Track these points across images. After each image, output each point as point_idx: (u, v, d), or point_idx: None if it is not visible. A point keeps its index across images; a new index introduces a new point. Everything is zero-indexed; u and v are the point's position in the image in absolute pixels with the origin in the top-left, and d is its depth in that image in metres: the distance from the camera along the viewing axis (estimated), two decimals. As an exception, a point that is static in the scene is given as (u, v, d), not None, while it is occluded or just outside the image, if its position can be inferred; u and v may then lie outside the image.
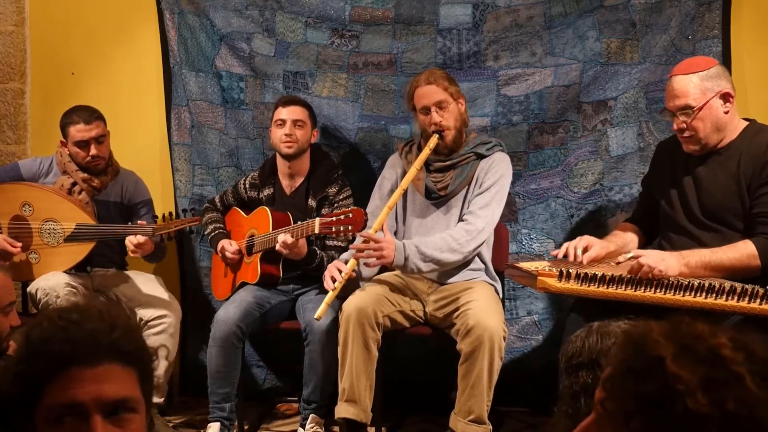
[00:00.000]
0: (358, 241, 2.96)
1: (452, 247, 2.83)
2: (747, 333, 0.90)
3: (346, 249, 3.10)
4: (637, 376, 0.88)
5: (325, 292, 2.98)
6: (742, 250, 2.39)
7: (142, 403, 1.15)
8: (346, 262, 2.87)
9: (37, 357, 1.10)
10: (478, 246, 2.89)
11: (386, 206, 2.84)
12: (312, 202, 3.19)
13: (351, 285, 2.90)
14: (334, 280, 2.80)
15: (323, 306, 2.76)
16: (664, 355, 0.87)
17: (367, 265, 2.87)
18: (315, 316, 2.78)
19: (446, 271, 2.96)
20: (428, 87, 2.92)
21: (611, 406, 0.90)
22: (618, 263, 2.48)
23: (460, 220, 2.94)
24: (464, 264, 2.95)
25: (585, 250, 2.54)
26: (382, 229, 2.80)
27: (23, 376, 1.11)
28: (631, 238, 2.76)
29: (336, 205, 3.17)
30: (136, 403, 1.13)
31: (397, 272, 3.01)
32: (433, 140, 2.90)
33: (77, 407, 1.08)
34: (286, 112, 3.18)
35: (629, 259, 2.44)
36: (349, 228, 2.76)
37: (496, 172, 2.92)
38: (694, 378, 0.85)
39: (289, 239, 2.92)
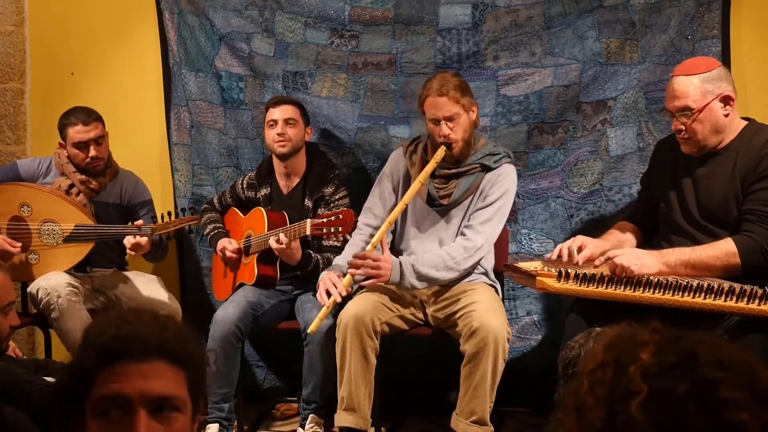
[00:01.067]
0: (354, 243, 2.95)
1: (449, 266, 2.81)
2: (718, 344, 0.90)
3: (341, 249, 3.10)
4: (575, 381, 0.95)
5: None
6: (722, 248, 2.39)
7: (189, 405, 1.17)
8: (341, 275, 2.82)
9: (89, 350, 1.15)
10: (476, 263, 2.87)
11: (386, 221, 2.80)
12: (308, 203, 3.18)
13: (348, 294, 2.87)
14: (328, 294, 2.76)
15: (316, 321, 2.74)
16: (583, 369, 0.93)
17: (359, 283, 2.82)
18: (308, 331, 2.77)
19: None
20: (440, 99, 2.82)
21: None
22: (595, 267, 2.47)
23: (460, 231, 2.91)
24: None
25: (579, 250, 2.54)
26: (381, 245, 2.79)
27: (75, 368, 1.17)
28: (627, 237, 2.75)
29: (332, 205, 3.16)
30: (182, 404, 1.15)
31: None
32: (440, 153, 2.84)
33: (122, 400, 1.11)
34: (276, 112, 3.17)
35: (605, 261, 2.43)
36: (339, 229, 2.76)
37: (501, 187, 2.87)
38: (599, 392, 0.89)
39: (283, 239, 2.91)
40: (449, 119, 2.83)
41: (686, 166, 2.59)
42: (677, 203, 2.61)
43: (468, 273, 2.92)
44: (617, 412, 0.86)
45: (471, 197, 2.91)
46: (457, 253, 2.81)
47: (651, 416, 0.84)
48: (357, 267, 2.74)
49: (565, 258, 2.52)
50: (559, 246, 2.59)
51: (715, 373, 0.85)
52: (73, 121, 3.18)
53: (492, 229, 2.86)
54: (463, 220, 2.92)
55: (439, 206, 2.94)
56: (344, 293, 2.75)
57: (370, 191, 3.11)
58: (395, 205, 2.92)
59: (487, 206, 2.86)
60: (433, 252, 2.85)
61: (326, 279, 2.81)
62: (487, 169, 2.90)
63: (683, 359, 0.87)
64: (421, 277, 2.78)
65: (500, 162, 2.91)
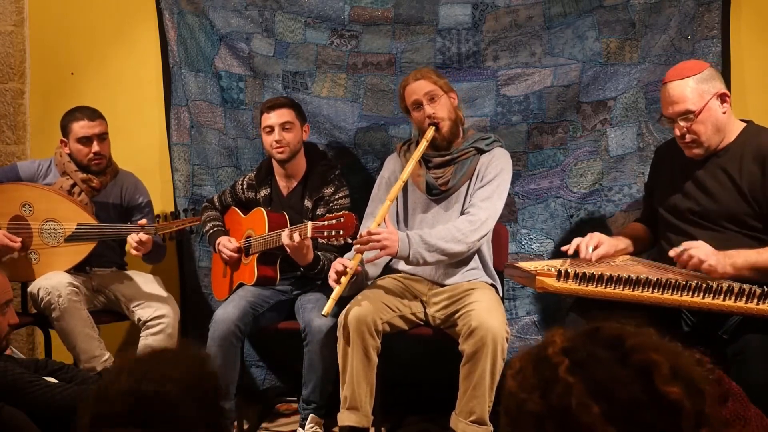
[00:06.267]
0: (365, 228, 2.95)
1: (456, 238, 2.81)
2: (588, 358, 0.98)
3: (341, 248, 3.10)
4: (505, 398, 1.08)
5: (326, 292, 2.98)
6: None
7: None
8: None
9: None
10: (482, 237, 2.87)
11: (387, 199, 2.82)
12: (308, 203, 3.18)
13: (358, 284, 2.88)
14: (339, 276, 2.77)
15: (330, 302, 2.72)
16: (508, 384, 1.04)
17: (369, 260, 2.82)
18: (323, 312, 2.74)
19: (446, 271, 2.95)
20: (417, 83, 2.93)
21: None
22: (671, 257, 2.43)
23: (463, 212, 2.93)
24: (464, 263, 2.94)
25: (595, 247, 2.54)
26: (384, 222, 2.79)
27: None
28: (639, 237, 2.76)
29: (332, 205, 3.16)
30: None
31: (397, 276, 3.00)
32: (430, 131, 2.89)
33: None
34: (272, 117, 3.15)
35: (680, 252, 2.37)
36: (341, 233, 2.75)
37: (497, 166, 2.92)
38: (528, 384, 1.00)
39: (296, 237, 2.89)
40: (431, 98, 2.91)
41: (685, 167, 2.59)
42: (676, 203, 2.61)
43: (467, 262, 2.93)
44: (550, 385, 0.95)
45: (468, 181, 2.94)
46: (463, 226, 2.83)
47: (583, 378, 0.94)
48: (364, 244, 2.74)
49: (582, 255, 2.51)
50: (575, 241, 2.57)
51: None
52: (78, 116, 3.21)
53: (493, 205, 2.88)
54: (463, 205, 2.94)
55: (438, 194, 2.96)
56: (353, 269, 2.75)
57: (370, 197, 3.12)
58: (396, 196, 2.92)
59: (486, 185, 2.90)
60: (440, 227, 2.86)
61: (336, 263, 2.82)
62: (480, 151, 2.95)
63: (590, 330, 1.01)
64: (431, 248, 2.78)
65: (492, 145, 2.98)
